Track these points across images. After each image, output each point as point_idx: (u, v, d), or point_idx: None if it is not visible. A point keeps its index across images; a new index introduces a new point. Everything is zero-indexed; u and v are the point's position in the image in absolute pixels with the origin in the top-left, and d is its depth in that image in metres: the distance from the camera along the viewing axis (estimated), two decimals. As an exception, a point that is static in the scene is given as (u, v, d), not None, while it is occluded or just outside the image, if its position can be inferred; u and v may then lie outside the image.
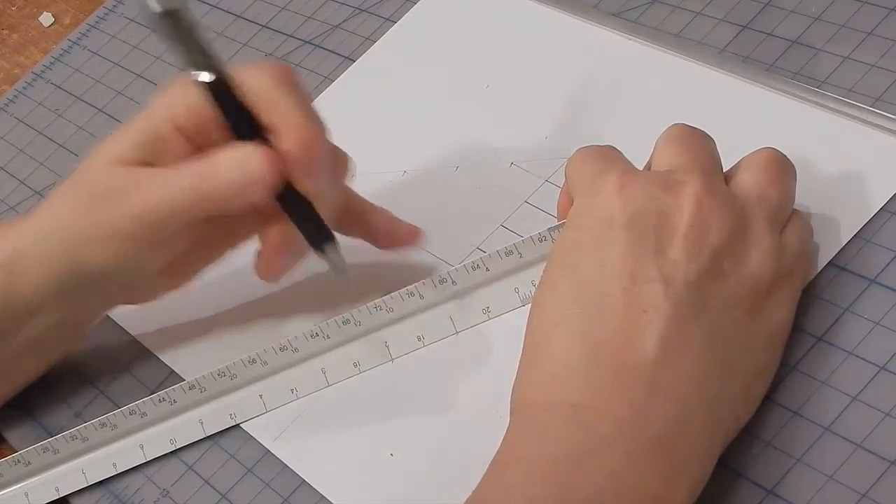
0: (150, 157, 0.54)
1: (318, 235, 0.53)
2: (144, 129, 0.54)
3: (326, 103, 0.68)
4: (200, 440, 0.57)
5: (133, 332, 0.63)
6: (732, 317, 0.45)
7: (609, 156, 0.50)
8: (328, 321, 0.55)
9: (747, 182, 0.48)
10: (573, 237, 0.48)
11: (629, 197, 0.46)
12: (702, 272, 0.45)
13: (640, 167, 0.50)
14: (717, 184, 0.47)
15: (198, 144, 0.53)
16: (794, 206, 0.49)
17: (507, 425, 0.46)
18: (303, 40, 0.72)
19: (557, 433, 0.44)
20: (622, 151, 0.50)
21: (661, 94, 0.59)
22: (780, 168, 0.49)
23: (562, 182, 0.53)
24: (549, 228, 0.53)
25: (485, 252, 0.55)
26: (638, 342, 0.44)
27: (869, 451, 0.45)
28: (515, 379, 0.47)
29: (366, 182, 0.63)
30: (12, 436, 0.62)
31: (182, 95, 0.53)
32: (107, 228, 0.53)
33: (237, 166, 0.51)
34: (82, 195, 0.54)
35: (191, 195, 0.52)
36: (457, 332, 0.55)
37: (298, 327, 0.57)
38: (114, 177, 0.53)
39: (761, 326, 0.46)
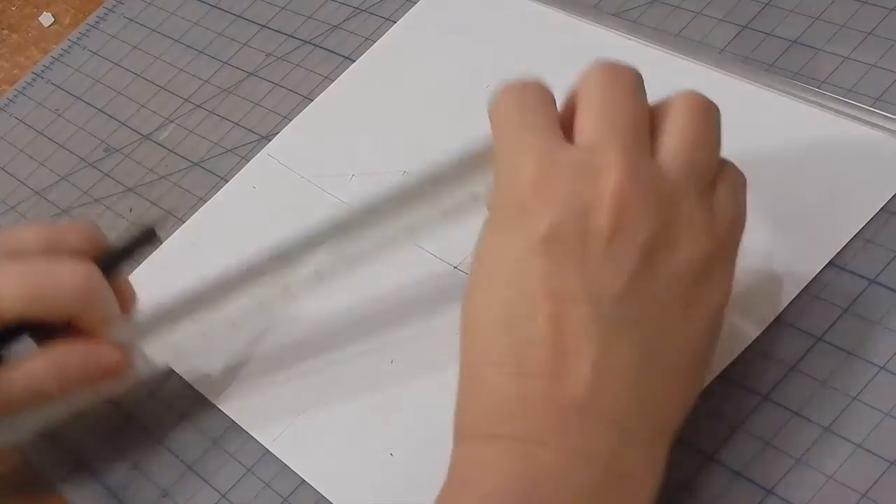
0: None
1: None
2: None
3: (326, 103, 0.68)
4: (200, 440, 0.57)
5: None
6: (667, 319, 0.44)
7: (532, 107, 0.47)
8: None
9: (674, 149, 0.45)
10: (493, 243, 0.46)
11: (548, 202, 0.44)
12: (631, 280, 0.43)
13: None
14: (640, 163, 0.44)
15: None
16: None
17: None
18: (303, 40, 0.72)
19: (503, 467, 0.43)
20: None
21: (662, 92, 0.59)
22: (706, 120, 0.45)
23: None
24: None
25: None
26: (570, 373, 0.42)
27: (869, 451, 0.45)
28: (456, 406, 0.46)
29: (365, 182, 0.63)
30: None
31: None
32: None
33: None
34: None
35: None
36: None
37: (298, 328, 0.57)
38: None
39: (700, 318, 0.44)
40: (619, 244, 0.43)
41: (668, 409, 0.44)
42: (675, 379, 0.44)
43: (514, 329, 0.44)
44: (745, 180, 0.47)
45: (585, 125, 0.46)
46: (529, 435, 0.43)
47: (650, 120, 0.46)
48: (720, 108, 0.56)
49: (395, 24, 0.70)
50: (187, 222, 0.67)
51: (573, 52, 0.63)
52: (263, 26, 0.75)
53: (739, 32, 0.59)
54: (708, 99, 0.46)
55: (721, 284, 0.45)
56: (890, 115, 0.53)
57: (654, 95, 0.59)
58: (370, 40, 0.70)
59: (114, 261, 0.57)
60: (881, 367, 0.46)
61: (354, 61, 0.69)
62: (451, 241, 0.58)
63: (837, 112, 0.54)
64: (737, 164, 0.49)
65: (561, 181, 0.44)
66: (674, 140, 0.45)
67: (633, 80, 0.47)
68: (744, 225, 0.47)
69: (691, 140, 0.45)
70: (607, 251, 0.43)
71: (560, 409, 0.43)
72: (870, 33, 0.56)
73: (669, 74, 0.59)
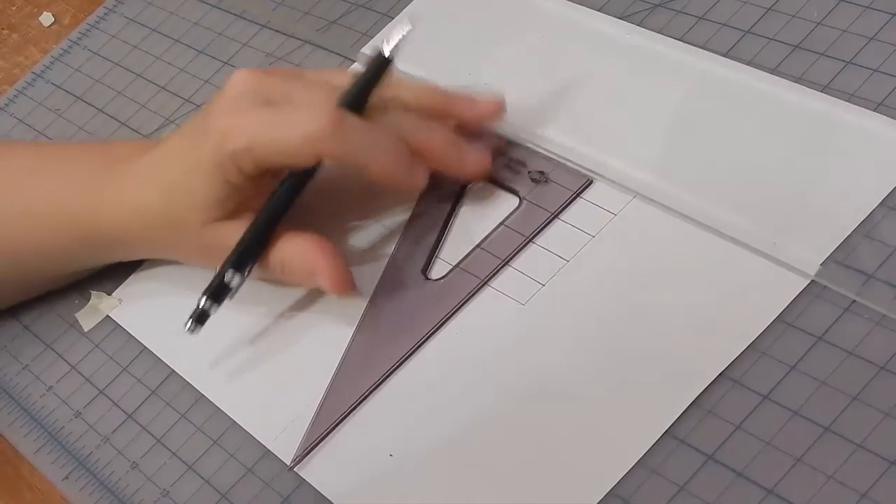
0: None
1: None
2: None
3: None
4: (200, 440, 0.57)
5: (133, 331, 0.63)
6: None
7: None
8: None
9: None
10: None
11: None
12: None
13: (638, 163, 0.50)
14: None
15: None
16: None
17: (511, 425, 0.46)
18: (302, 40, 0.72)
19: None
20: (621, 145, 0.51)
21: (662, 89, 0.59)
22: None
23: (562, 180, 0.52)
24: None
25: (484, 249, 0.56)
26: None
27: (869, 451, 0.45)
28: None
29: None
30: (12, 435, 0.62)
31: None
32: None
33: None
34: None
35: None
36: None
37: (298, 328, 0.57)
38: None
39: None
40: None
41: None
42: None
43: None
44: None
45: None
46: None
47: None
48: (722, 104, 0.56)
49: (391, 21, 0.70)
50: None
51: (572, 49, 0.63)
52: (263, 26, 0.75)
53: (742, 37, 0.59)
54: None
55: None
56: (892, 119, 0.53)
57: (653, 88, 0.59)
58: (367, 36, 0.70)
59: (361, 95, 0.57)
60: (881, 367, 0.47)
61: (354, 62, 0.69)
62: (451, 239, 0.59)
63: (839, 117, 0.54)
64: (737, 164, 0.49)
65: None
66: None
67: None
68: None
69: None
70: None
71: None
72: (872, 38, 0.56)
73: (669, 70, 0.60)
